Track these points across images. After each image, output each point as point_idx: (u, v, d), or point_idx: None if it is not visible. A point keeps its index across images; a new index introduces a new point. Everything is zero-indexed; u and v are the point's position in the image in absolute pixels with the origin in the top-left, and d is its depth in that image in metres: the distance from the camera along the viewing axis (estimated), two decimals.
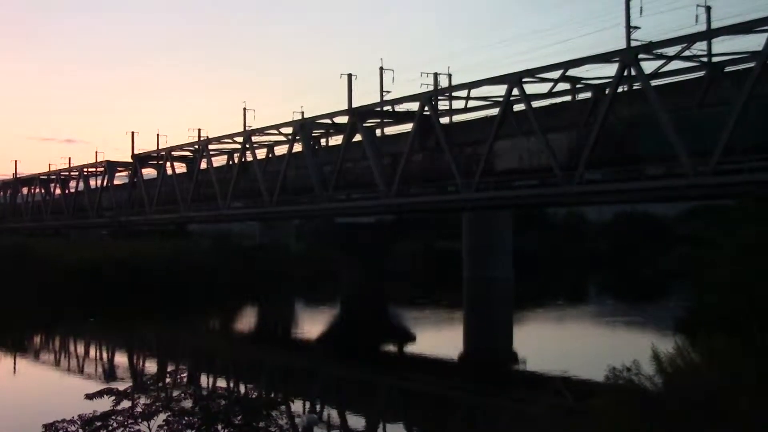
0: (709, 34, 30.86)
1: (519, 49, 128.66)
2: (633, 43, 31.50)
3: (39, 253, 48.84)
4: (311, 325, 38.92)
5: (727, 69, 32.39)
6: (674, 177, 29.05)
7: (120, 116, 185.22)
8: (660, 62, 33.38)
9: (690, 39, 30.35)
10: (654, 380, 11.36)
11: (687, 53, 31.96)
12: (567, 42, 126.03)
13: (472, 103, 42.45)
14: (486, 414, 18.14)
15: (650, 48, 30.72)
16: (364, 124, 43.69)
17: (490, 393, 21.18)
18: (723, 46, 36.82)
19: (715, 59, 32.60)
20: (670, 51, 31.46)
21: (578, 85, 37.47)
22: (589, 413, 10.00)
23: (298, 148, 48.67)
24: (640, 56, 30.44)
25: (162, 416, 9.15)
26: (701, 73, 33.50)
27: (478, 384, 22.91)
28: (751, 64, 27.89)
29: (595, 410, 9.97)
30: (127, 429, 8.97)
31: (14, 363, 28.07)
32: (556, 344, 30.11)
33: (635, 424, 9.10)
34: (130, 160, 65.00)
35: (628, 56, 30.38)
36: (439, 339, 33.58)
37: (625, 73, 31.10)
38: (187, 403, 9.48)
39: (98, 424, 8.89)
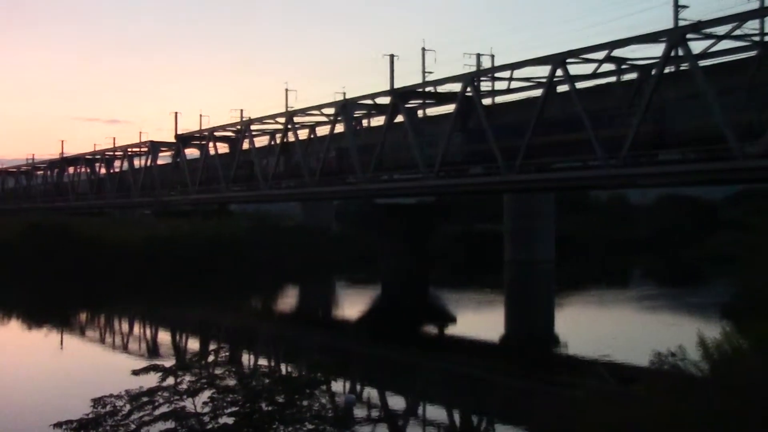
0: (761, 12, 30.04)
1: (563, 29, 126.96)
2: (681, 23, 30.88)
3: (81, 233, 49.22)
4: (352, 306, 39.07)
5: None
6: (720, 160, 28.47)
7: (163, 97, 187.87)
8: (709, 42, 32.67)
9: (741, 17, 29.61)
10: (700, 366, 11.19)
11: (738, 32, 31.20)
12: (612, 22, 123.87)
13: (514, 84, 42.05)
14: (526, 396, 18.05)
15: (699, 27, 30.05)
16: (406, 105, 43.57)
17: (531, 375, 21.09)
18: None
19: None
20: (720, 30, 30.73)
21: (623, 66, 36.88)
22: (634, 398, 9.88)
23: (339, 128, 48.76)
24: (688, 36, 29.81)
25: (206, 393, 9.28)
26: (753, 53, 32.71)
27: (518, 366, 22.83)
28: None
29: (640, 395, 9.85)
30: (173, 405, 9.12)
31: (61, 339, 28.67)
32: (597, 328, 29.84)
33: (681, 409, 8.96)
34: (173, 140, 65.73)
35: (675, 36, 29.77)
36: (479, 321, 33.50)
37: (672, 54, 30.55)
38: (231, 381, 9.59)
39: (145, 399, 9.05)
